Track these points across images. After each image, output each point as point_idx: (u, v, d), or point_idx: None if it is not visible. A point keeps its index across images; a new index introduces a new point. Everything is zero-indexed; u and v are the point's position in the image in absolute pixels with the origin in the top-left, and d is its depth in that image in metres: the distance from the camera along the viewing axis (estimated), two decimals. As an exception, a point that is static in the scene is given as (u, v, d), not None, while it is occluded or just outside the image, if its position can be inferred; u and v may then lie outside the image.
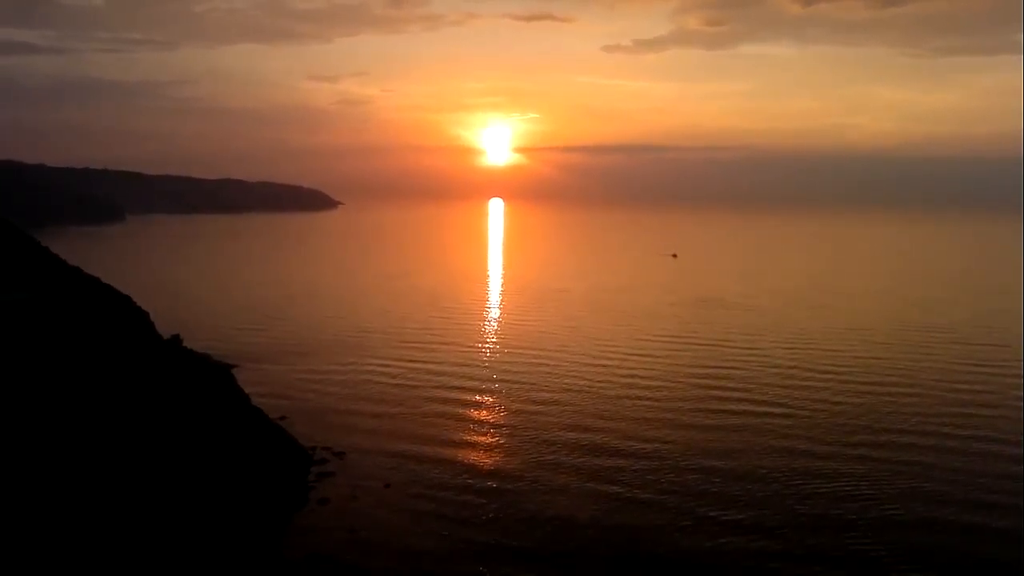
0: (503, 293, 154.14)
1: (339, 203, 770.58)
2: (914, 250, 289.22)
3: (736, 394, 74.39)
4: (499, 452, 58.65)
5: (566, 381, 79.05)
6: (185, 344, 65.06)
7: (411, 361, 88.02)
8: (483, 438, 62.00)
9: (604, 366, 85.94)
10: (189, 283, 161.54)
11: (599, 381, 79.16)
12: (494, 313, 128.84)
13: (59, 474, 40.27)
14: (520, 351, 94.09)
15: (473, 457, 57.53)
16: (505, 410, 69.41)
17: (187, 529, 42.36)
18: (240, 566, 40.73)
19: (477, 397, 73.71)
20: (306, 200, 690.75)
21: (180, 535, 41.69)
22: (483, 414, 68.56)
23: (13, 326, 45.60)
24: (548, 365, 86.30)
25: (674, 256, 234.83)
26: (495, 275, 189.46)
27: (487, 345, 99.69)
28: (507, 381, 79.21)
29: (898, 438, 61.77)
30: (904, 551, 43.05)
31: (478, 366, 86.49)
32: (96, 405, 44.92)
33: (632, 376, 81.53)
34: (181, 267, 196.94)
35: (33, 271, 54.63)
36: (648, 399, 72.54)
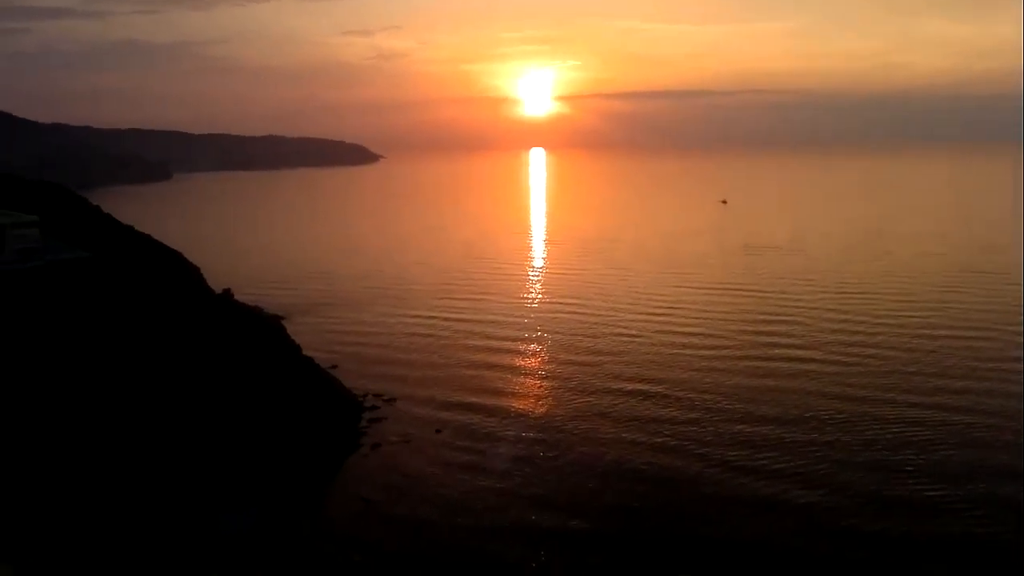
0: (548, 244, 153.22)
1: (380, 157, 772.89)
2: (974, 191, 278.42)
3: (788, 346, 72.72)
4: (546, 402, 58.64)
5: (614, 331, 78.41)
6: (236, 297, 66.12)
7: (457, 312, 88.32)
8: (530, 388, 62.04)
9: (652, 316, 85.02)
10: (236, 238, 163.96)
11: (647, 331, 78.33)
12: (539, 264, 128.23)
13: (125, 415, 41.40)
14: (567, 302, 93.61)
15: (521, 407, 57.62)
16: (552, 360, 69.25)
17: (246, 473, 43.32)
18: (296, 509, 41.57)
19: (523, 347, 73.66)
20: (347, 155, 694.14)
21: (238, 478, 42.68)
22: (530, 364, 68.53)
23: (84, 281, 46.70)
24: (595, 316, 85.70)
25: (724, 203, 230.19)
26: (539, 226, 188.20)
27: (533, 296, 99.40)
28: (553, 331, 78.94)
29: (953, 399, 59.15)
30: (960, 500, 42.11)
31: (524, 317, 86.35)
32: (159, 355, 45.89)
33: (681, 326, 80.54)
34: (227, 223, 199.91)
35: (90, 230, 55.56)
36: (698, 349, 71.66)
